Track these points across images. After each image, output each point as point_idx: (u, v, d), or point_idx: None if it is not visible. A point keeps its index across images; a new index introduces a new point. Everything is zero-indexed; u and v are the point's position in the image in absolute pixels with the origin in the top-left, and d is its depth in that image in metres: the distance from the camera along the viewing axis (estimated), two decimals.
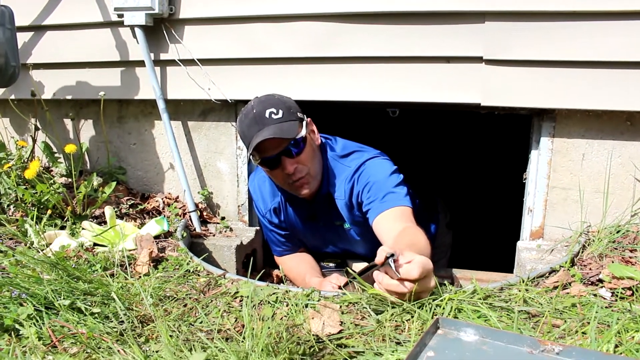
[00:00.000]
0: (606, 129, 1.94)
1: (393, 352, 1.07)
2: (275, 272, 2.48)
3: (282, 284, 2.38)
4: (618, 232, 1.87)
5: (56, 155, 2.54)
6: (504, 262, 2.27)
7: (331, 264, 2.39)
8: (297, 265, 2.31)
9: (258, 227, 2.45)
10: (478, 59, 1.95)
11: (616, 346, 0.99)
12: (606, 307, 1.25)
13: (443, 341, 0.99)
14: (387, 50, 2.03)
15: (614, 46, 1.80)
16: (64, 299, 1.21)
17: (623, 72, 1.83)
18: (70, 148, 2.02)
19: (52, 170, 2.56)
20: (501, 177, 2.80)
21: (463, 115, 2.09)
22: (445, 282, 1.40)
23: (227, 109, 2.35)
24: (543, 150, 2.02)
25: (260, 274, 2.39)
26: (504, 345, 0.97)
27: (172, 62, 2.29)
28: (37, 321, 1.16)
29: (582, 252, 1.70)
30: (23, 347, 1.08)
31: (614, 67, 1.83)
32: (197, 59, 2.24)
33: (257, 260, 2.49)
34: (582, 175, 2.00)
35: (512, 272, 2.16)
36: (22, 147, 2.34)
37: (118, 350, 1.06)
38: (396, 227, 1.73)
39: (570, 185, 2.02)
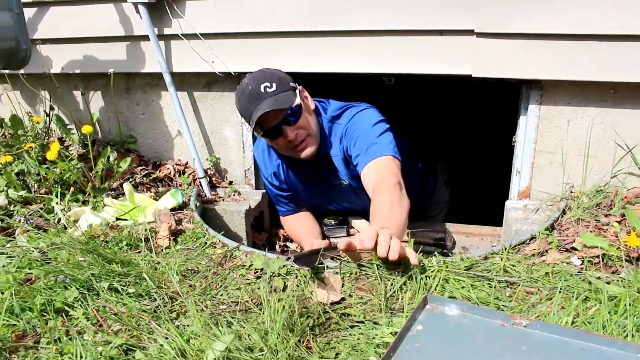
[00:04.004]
0: (591, 97, 2.06)
1: (389, 322, 1.25)
2: (281, 231, 2.67)
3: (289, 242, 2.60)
4: (599, 192, 2.03)
5: (69, 127, 2.66)
6: (497, 216, 2.42)
7: (333, 222, 2.58)
8: (297, 226, 2.51)
9: (264, 190, 2.62)
10: (470, 32, 2.03)
11: (575, 317, 1.17)
12: (576, 274, 1.43)
13: (430, 316, 1.18)
14: (383, 24, 2.11)
15: (601, 19, 1.88)
16: (103, 281, 1.40)
17: (609, 45, 1.91)
18: (87, 129, 2.14)
19: (65, 141, 2.70)
20: (495, 140, 2.93)
21: (457, 81, 2.20)
22: (436, 253, 1.57)
23: (230, 81, 2.45)
24: (531, 117, 2.15)
25: (268, 235, 2.60)
26: (481, 318, 1.15)
27: (175, 37, 2.37)
28: (82, 303, 1.35)
29: (562, 217, 1.87)
30: (75, 327, 1.27)
31: (600, 39, 1.91)
32: (200, 34, 2.32)
33: (264, 221, 2.67)
34: (567, 140, 2.13)
35: (502, 225, 2.34)
36: (37, 122, 2.47)
37: (157, 326, 1.25)
38: (373, 182, 1.89)
39: (556, 149, 2.16)
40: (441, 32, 2.08)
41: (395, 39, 2.13)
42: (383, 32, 2.13)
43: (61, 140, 2.69)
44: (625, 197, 1.97)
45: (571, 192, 2.12)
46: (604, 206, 1.93)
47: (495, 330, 1.12)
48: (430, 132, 3.98)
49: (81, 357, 1.12)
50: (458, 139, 4.20)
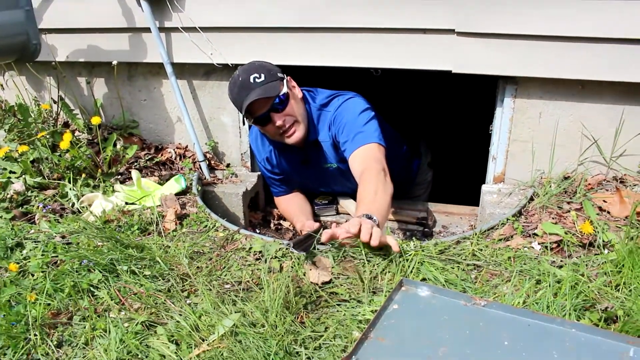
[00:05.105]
0: (561, 92, 2.24)
1: (370, 301, 1.47)
2: (276, 210, 2.88)
3: (283, 221, 2.79)
4: (566, 178, 2.24)
5: (74, 112, 2.81)
6: (476, 196, 2.62)
7: (324, 201, 2.80)
8: (289, 206, 2.72)
9: (259, 172, 2.80)
10: (451, 31, 2.20)
11: (526, 298, 1.39)
12: (534, 258, 1.65)
13: (405, 296, 1.39)
14: (371, 22, 2.27)
15: (570, 22, 2.04)
16: (122, 264, 1.60)
17: (578, 45, 2.08)
18: (96, 120, 2.30)
19: (70, 125, 2.86)
20: (475, 127, 3.11)
21: (440, 74, 2.38)
22: (414, 238, 1.78)
23: (228, 70, 2.60)
24: (506, 109, 2.33)
25: (264, 214, 2.80)
26: (448, 299, 1.37)
27: (176, 29, 2.51)
28: (105, 284, 1.55)
29: (529, 204, 2.08)
30: (101, 305, 1.48)
31: (569, 40, 2.08)
32: (199, 27, 2.46)
33: (259, 201, 2.87)
34: (539, 131, 2.32)
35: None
36: (45, 109, 2.62)
37: (171, 304, 1.46)
38: (359, 170, 2.09)
39: (528, 139, 2.35)
40: (424, 31, 2.24)
41: (382, 36, 2.29)
42: (371, 30, 2.29)
43: (66, 125, 2.84)
44: (589, 184, 2.19)
45: (542, 178, 2.33)
46: (570, 192, 2.14)
47: (459, 309, 1.33)
48: (415, 118, 4.18)
49: (110, 332, 1.33)
50: (442, 125, 4.42)
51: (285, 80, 2.19)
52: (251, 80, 2.12)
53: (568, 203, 2.02)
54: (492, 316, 1.29)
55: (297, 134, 2.25)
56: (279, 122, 2.18)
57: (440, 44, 2.24)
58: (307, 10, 2.31)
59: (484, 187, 2.46)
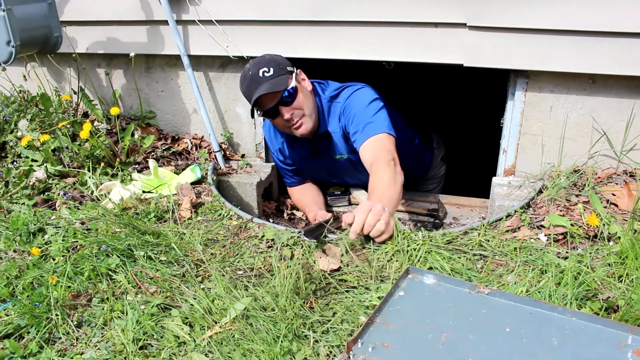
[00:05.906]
0: (572, 86, 2.25)
1: (377, 288, 1.52)
2: (289, 200, 2.93)
3: (295, 212, 2.84)
4: (576, 171, 2.26)
5: (93, 102, 2.89)
6: (488, 188, 2.64)
7: (337, 192, 2.85)
8: (302, 196, 2.77)
9: (273, 163, 2.86)
10: (462, 25, 2.22)
11: (529, 287, 1.42)
12: (540, 249, 1.68)
13: (411, 284, 1.44)
14: (383, 16, 2.30)
15: (581, 17, 2.06)
16: (139, 250, 1.66)
17: (588, 39, 2.09)
18: (115, 110, 2.37)
19: (89, 115, 2.93)
20: (487, 120, 3.12)
21: (452, 67, 2.40)
22: (422, 229, 1.82)
23: (243, 63, 2.65)
24: (517, 102, 2.35)
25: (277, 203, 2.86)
26: (452, 287, 1.41)
27: (192, 22, 2.56)
28: (122, 268, 1.62)
29: (538, 197, 2.10)
30: (118, 288, 1.55)
31: (580, 35, 2.09)
32: (215, 20, 2.51)
33: (273, 191, 2.93)
34: (549, 124, 2.34)
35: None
36: (66, 100, 2.70)
37: (186, 288, 1.52)
38: (370, 160, 2.13)
39: (539, 132, 2.37)
40: (436, 25, 2.26)
41: (394, 30, 2.32)
42: (383, 23, 2.32)
43: (86, 115, 2.92)
44: (599, 177, 2.20)
45: (551, 171, 2.35)
46: (579, 185, 2.15)
47: (463, 296, 1.37)
48: (428, 112, 4.20)
49: (127, 314, 1.40)
50: (454, 119, 4.43)
51: (294, 74, 2.23)
52: (260, 74, 2.17)
53: (576, 196, 2.04)
54: (495, 304, 1.33)
55: (305, 127, 2.30)
56: (287, 116, 2.23)
57: (451, 38, 2.26)
58: (320, 3, 2.35)
59: (494, 180, 2.49)
